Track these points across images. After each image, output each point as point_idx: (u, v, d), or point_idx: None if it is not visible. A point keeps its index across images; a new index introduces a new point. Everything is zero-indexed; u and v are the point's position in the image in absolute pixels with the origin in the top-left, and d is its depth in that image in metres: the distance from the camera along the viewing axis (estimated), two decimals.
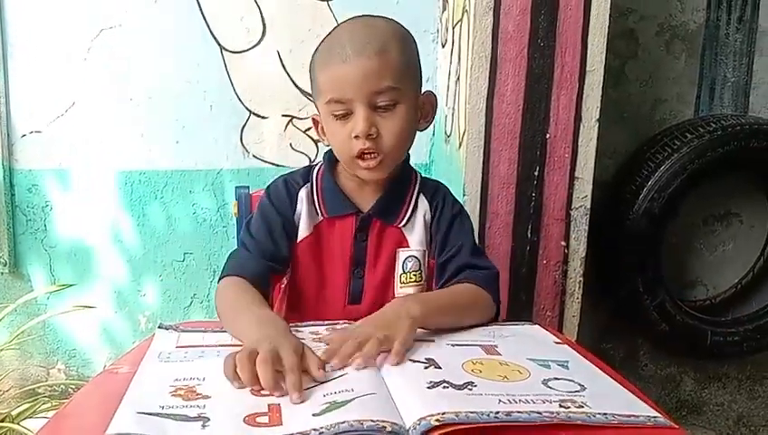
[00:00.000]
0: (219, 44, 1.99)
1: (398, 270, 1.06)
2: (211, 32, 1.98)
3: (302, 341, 0.85)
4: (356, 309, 1.04)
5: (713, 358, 2.11)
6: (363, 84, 0.94)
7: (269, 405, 0.65)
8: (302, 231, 1.06)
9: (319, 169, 1.10)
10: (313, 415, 0.62)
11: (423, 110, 1.05)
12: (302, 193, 1.07)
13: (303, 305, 1.08)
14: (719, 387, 2.21)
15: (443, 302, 0.95)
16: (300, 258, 1.06)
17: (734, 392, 2.22)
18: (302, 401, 0.66)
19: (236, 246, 1.10)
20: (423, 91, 1.05)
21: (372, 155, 0.97)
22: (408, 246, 1.07)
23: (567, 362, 0.78)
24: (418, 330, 0.87)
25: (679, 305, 1.96)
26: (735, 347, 2.01)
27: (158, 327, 0.92)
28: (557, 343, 0.88)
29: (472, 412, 0.60)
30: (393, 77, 0.95)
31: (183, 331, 0.91)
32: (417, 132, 1.05)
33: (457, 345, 0.83)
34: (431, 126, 1.11)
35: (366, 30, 0.97)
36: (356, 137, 0.96)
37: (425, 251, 1.07)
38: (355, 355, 0.75)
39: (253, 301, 0.92)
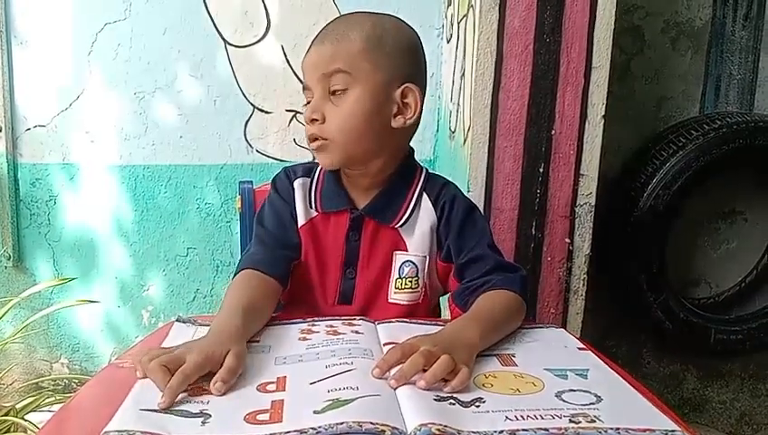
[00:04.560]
0: (223, 39, 1.99)
1: (394, 274, 1.02)
2: (215, 26, 1.98)
3: (315, 334, 0.86)
4: (345, 309, 1.02)
5: (716, 356, 2.10)
6: (316, 68, 0.96)
7: (272, 402, 0.65)
8: (299, 219, 1.05)
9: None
10: (314, 412, 0.62)
11: (403, 103, 0.98)
12: (297, 183, 1.06)
13: (298, 295, 1.05)
14: (722, 385, 2.20)
15: (495, 323, 0.88)
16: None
17: (737, 390, 2.21)
18: (167, 406, 0.64)
19: (247, 242, 1.10)
20: (402, 84, 0.98)
21: (316, 139, 0.97)
22: (406, 250, 1.03)
23: (587, 370, 0.76)
24: None
25: (683, 303, 1.95)
26: (739, 345, 2.00)
27: (176, 320, 0.92)
28: (581, 349, 0.85)
29: (474, 432, 0.59)
30: (345, 61, 0.94)
31: (201, 325, 0.90)
32: (404, 127, 0.99)
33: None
34: (417, 123, 1.03)
35: (336, 22, 1.00)
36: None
37: (425, 257, 1.03)
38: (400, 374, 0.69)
39: (234, 303, 0.89)
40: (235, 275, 0.99)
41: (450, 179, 1.11)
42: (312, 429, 0.58)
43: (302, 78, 1.01)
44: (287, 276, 1.00)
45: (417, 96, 0.99)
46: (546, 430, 0.60)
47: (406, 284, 1.03)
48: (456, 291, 1.02)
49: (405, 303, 1.03)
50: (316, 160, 1.07)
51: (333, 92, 0.96)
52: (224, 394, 0.67)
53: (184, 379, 0.67)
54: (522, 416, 0.62)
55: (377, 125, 0.97)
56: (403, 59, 0.99)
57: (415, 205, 1.03)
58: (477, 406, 0.65)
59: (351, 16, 1.02)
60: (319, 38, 0.98)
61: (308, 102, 0.99)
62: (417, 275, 1.03)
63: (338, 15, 1.07)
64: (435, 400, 0.66)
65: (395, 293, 1.03)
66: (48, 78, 1.99)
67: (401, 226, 1.02)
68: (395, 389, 0.68)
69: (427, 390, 0.68)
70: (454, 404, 0.66)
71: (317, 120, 0.96)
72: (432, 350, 0.72)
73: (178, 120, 2.02)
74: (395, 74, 0.98)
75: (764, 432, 2.24)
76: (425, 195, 1.04)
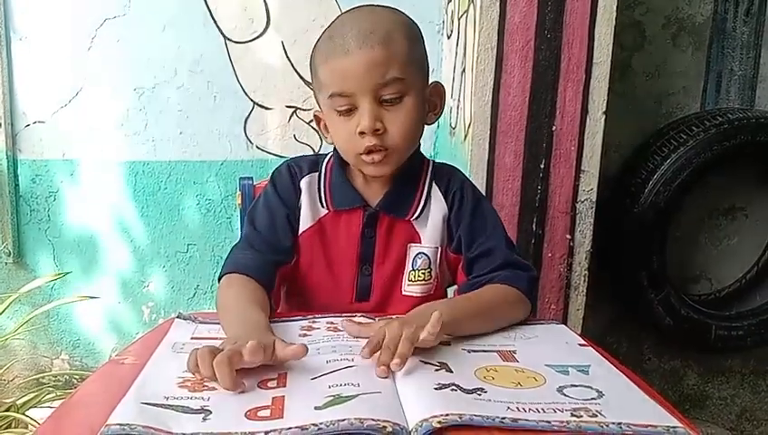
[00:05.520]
0: (223, 34, 1.99)
1: (408, 267, 1.03)
2: (215, 22, 1.98)
3: (315, 331, 0.86)
4: (363, 306, 1.02)
5: (716, 352, 2.11)
6: (367, 77, 0.89)
7: (273, 398, 0.65)
8: (304, 222, 1.03)
9: (329, 160, 1.06)
10: (315, 408, 0.62)
11: (431, 102, 1.00)
12: (304, 182, 1.04)
13: (307, 296, 1.06)
14: (722, 381, 2.21)
15: (478, 309, 0.89)
16: (302, 249, 1.03)
17: (738, 386, 2.22)
18: (254, 358, 0.68)
19: (240, 238, 1.06)
20: (430, 83, 1.01)
21: (378, 149, 0.93)
22: (420, 242, 1.03)
23: (588, 366, 0.75)
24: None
25: (683, 299, 1.95)
26: (739, 341, 2.00)
27: (177, 317, 0.92)
28: (581, 345, 0.85)
29: (476, 416, 0.59)
30: (399, 68, 0.90)
31: (201, 322, 0.91)
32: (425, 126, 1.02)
33: (474, 351, 0.80)
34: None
35: (369, 20, 0.92)
36: (361, 133, 0.92)
37: (437, 248, 1.03)
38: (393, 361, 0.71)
39: (242, 299, 0.90)
40: (221, 272, 0.98)
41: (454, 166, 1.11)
42: (313, 425, 0.58)
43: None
44: (274, 281, 0.99)
45: (441, 92, 1.02)
46: (548, 422, 0.59)
47: (419, 275, 1.03)
48: (462, 285, 1.02)
49: (418, 295, 1.03)
50: (325, 153, 1.07)
51: (385, 100, 0.92)
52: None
53: (255, 349, 0.68)
54: (523, 408, 0.62)
55: (422, 127, 0.99)
56: (425, 54, 1.00)
57: (427, 196, 1.03)
58: (479, 394, 0.65)
59: (375, 12, 0.96)
60: (358, 40, 0.89)
61: (347, 110, 0.93)
62: (429, 267, 1.03)
63: (343, 11, 0.99)
64: (435, 388, 0.66)
65: (408, 285, 1.03)
66: (48, 74, 1.99)
67: (416, 218, 1.02)
68: (385, 377, 0.69)
69: (424, 376, 0.69)
70: (455, 390, 0.66)
71: (379, 130, 0.92)
72: (397, 332, 0.74)
73: (178, 116, 2.02)
74: (427, 71, 1.00)
75: (765, 428, 2.24)
76: (435, 185, 1.04)
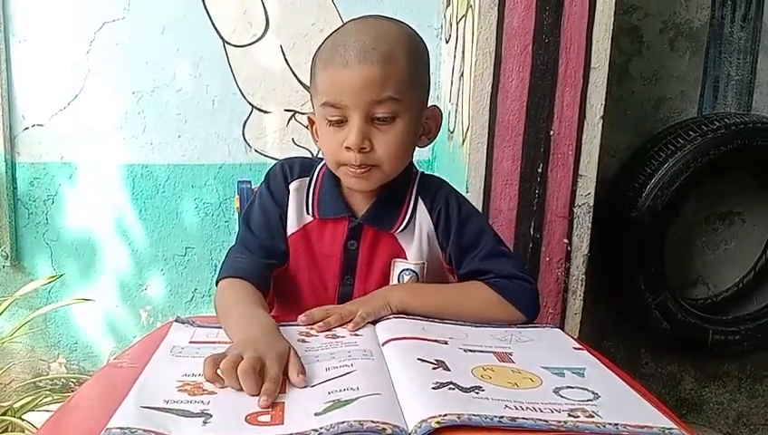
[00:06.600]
0: (222, 38, 1.99)
1: (393, 282, 1.02)
2: (214, 25, 1.98)
3: (313, 337, 0.86)
4: None
5: (713, 357, 2.11)
6: (362, 93, 0.88)
7: (273, 403, 0.65)
8: (290, 226, 1.03)
9: (323, 167, 1.05)
10: (315, 414, 0.62)
11: (426, 125, 0.99)
12: (293, 186, 1.03)
13: (293, 300, 1.06)
14: (719, 386, 2.21)
15: (430, 293, 0.97)
16: (290, 253, 1.03)
17: (735, 391, 2.22)
18: (267, 407, 0.64)
19: (236, 239, 1.06)
20: (429, 106, 1.00)
21: (361, 166, 0.93)
22: (405, 258, 1.02)
23: (583, 369, 0.76)
24: (433, 328, 0.87)
25: (681, 304, 1.95)
26: (736, 346, 2.00)
27: (175, 321, 0.92)
28: (576, 349, 0.86)
29: (475, 415, 0.59)
30: (395, 88, 0.89)
31: (199, 326, 0.91)
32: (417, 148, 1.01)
33: (470, 351, 0.81)
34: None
35: (373, 34, 0.90)
36: (348, 148, 0.91)
37: (424, 264, 1.02)
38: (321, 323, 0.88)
39: (245, 301, 0.91)
40: (219, 276, 0.99)
41: (444, 178, 1.10)
42: (313, 431, 0.58)
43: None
44: (270, 284, 1.00)
45: (438, 117, 1.01)
46: (546, 421, 0.60)
47: None
48: None
49: None
50: (321, 158, 1.05)
51: (377, 118, 0.91)
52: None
53: (277, 382, 0.68)
54: (521, 407, 0.63)
55: (412, 148, 0.99)
56: (427, 76, 0.99)
57: (413, 210, 1.02)
58: (477, 393, 0.66)
59: (382, 26, 0.93)
60: (359, 54, 0.88)
61: (338, 121, 0.92)
62: (417, 283, 1.03)
63: (353, 18, 0.97)
64: (433, 387, 0.67)
65: None
66: (47, 77, 1.99)
67: (401, 231, 1.01)
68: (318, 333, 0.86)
69: (422, 374, 0.72)
70: (453, 389, 0.66)
71: (366, 148, 0.91)
72: (345, 308, 0.92)
73: (177, 120, 2.02)
74: (425, 94, 0.99)
75: (762, 433, 2.24)
76: (420, 200, 1.03)
